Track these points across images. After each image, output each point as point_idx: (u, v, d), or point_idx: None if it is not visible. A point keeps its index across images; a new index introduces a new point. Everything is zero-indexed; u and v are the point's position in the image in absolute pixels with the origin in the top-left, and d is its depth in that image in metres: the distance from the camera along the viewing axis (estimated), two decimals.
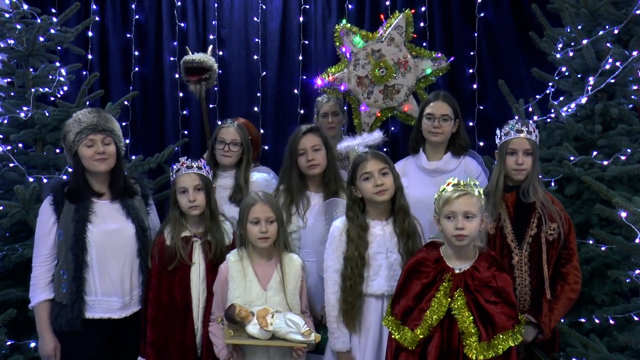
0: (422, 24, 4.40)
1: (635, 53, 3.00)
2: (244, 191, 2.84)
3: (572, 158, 2.95)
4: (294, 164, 2.74)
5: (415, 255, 2.24)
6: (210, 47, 3.69)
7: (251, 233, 2.36)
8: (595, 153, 2.96)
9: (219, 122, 3.54)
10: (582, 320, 2.65)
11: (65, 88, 3.50)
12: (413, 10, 3.40)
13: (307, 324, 2.32)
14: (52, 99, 3.47)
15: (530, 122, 2.52)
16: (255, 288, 2.35)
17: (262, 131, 4.50)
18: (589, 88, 3.06)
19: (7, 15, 3.33)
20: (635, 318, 2.53)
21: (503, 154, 2.43)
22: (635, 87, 3.09)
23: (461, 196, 2.08)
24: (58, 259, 2.44)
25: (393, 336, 2.14)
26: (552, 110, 3.22)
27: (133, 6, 4.58)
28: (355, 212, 2.42)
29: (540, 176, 2.55)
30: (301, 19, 4.51)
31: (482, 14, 4.35)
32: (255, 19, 4.54)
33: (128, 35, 4.60)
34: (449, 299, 2.07)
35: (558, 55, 3.27)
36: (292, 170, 2.74)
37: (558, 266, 2.38)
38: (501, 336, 2.03)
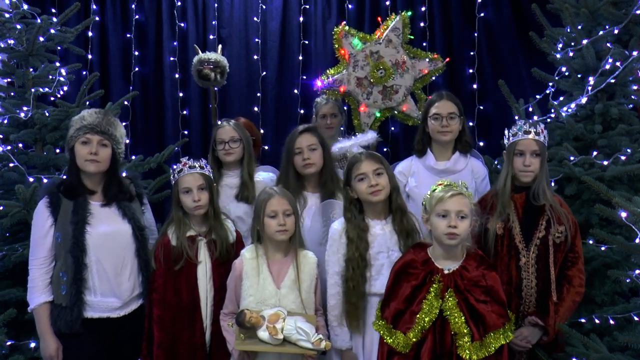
0: (422, 24, 4.41)
1: (635, 53, 3.00)
2: (250, 187, 2.85)
3: (572, 158, 2.95)
4: (290, 164, 2.75)
5: (403, 257, 2.23)
6: (220, 46, 3.69)
7: (269, 227, 2.35)
8: (595, 153, 2.96)
9: (219, 122, 3.55)
10: (583, 320, 2.64)
11: (65, 88, 3.50)
12: (409, 12, 3.40)
13: (319, 329, 2.32)
14: (52, 99, 3.47)
15: (539, 123, 2.51)
16: (269, 287, 2.35)
17: (262, 131, 4.50)
18: (589, 88, 3.06)
19: (7, 15, 3.33)
20: (636, 318, 2.53)
21: (511, 155, 2.42)
22: (635, 87, 3.09)
23: (455, 195, 2.08)
24: (55, 261, 2.42)
25: (385, 340, 2.12)
26: (552, 110, 3.22)
27: (133, 6, 4.58)
28: (352, 212, 2.43)
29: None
30: (301, 19, 4.52)
31: (482, 14, 4.36)
32: (255, 19, 4.54)
33: (128, 35, 4.60)
34: (440, 300, 2.06)
35: (558, 55, 3.27)
36: (288, 170, 2.75)
37: (564, 269, 2.38)
38: (493, 335, 2.04)
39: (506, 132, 2.48)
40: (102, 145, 2.45)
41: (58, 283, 2.40)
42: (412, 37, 3.46)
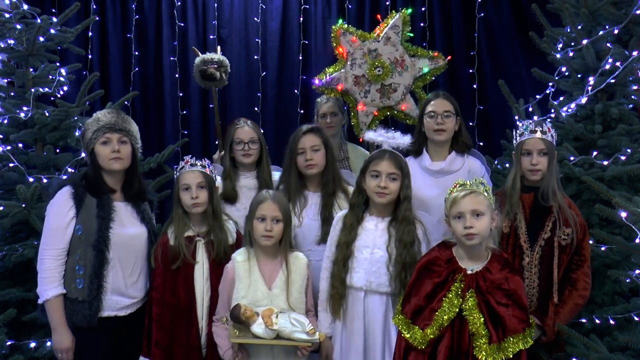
0: (422, 24, 4.41)
1: (635, 53, 3.00)
2: (271, 188, 2.85)
3: (572, 158, 2.95)
4: (292, 163, 2.75)
5: (428, 254, 2.25)
6: (219, 47, 3.69)
7: (256, 230, 2.38)
8: (595, 153, 2.97)
9: (219, 122, 3.55)
10: (583, 320, 2.65)
11: (65, 88, 3.50)
12: (410, 10, 3.38)
13: (312, 323, 2.34)
14: (52, 99, 3.46)
15: (546, 122, 2.52)
16: (261, 288, 2.36)
17: (262, 131, 4.48)
18: (589, 88, 3.06)
19: (7, 15, 3.32)
20: (636, 318, 2.53)
21: (518, 154, 2.45)
22: (635, 87, 3.09)
23: (467, 195, 2.09)
24: (69, 254, 2.41)
25: (403, 335, 2.13)
26: (552, 110, 3.22)
27: (133, 6, 4.58)
28: (358, 201, 2.46)
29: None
30: (301, 19, 4.52)
31: (482, 14, 4.36)
32: (255, 19, 4.54)
33: (128, 35, 4.60)
34: (460, 300, 2.07)
35: (558, 55, 3.27)
36: (290, 169, 2.76)
37: (568, 271, 2.39)
38: (511, 339, 2.03)
39: (514, 132, 2.51)
40: (122, 143, 2.49)
41: (73, 276, 2.39)
42: (411, 34, 3.43)
